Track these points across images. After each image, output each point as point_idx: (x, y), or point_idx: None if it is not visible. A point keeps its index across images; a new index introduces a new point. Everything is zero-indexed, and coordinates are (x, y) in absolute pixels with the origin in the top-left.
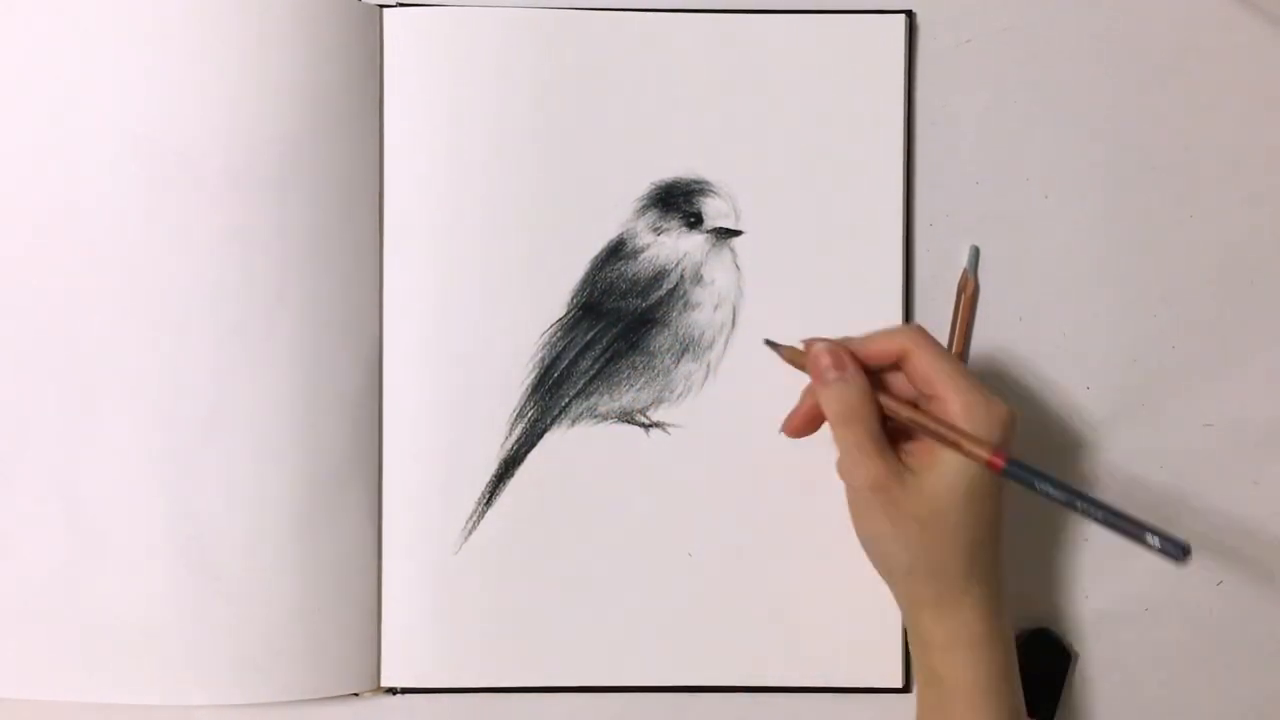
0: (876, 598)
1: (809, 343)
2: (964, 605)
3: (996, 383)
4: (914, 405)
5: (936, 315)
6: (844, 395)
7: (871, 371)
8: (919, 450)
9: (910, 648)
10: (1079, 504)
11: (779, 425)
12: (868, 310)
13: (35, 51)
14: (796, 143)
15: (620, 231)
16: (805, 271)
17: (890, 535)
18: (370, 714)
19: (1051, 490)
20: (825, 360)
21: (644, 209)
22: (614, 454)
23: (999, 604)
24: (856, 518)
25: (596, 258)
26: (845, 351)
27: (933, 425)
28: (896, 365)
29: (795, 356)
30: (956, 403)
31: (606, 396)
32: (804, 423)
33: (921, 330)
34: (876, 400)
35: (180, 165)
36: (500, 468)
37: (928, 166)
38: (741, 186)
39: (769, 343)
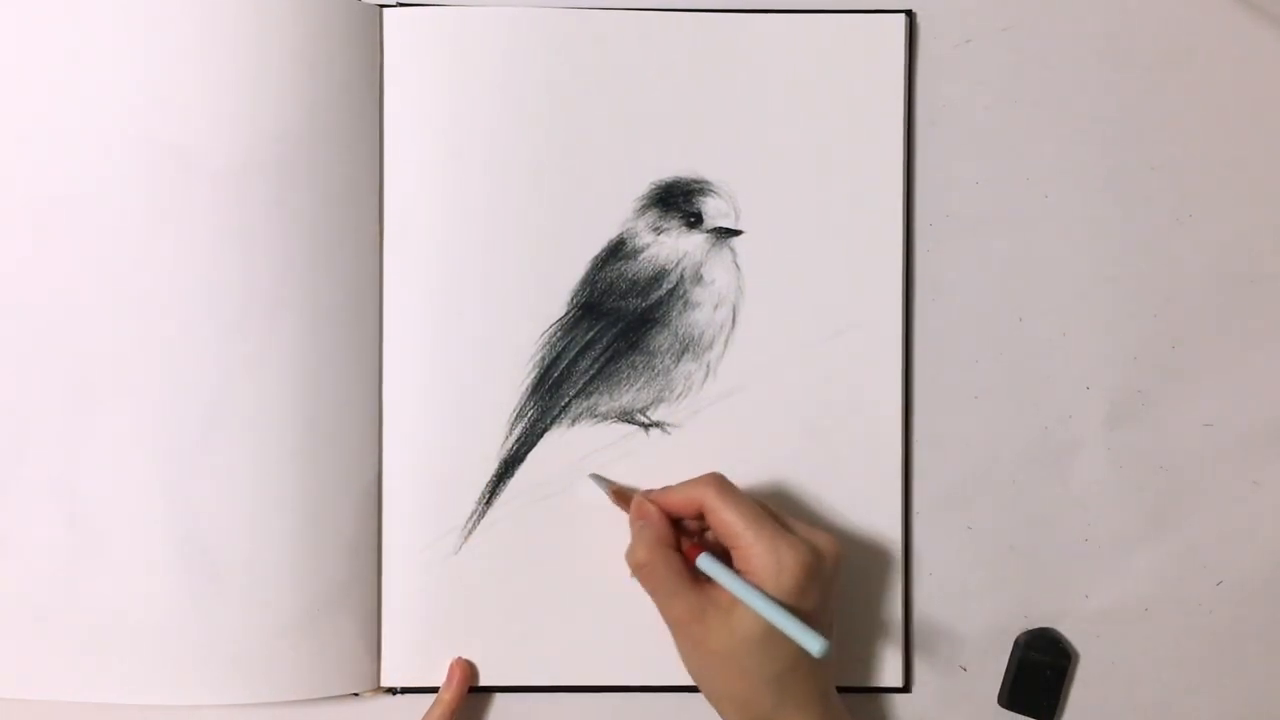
0: (877, 598)
1: (629, 496)
2: None
3: (997, 382)
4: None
5: (936, 315)
6: (640, 541)
7: (679, 520)
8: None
9: None
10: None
11: (779, 425)
12: (868, 310)
13: (35, 51)
14: (796, 143)
15: (620, 231)
16: (805, 271)
17: (697, 667)
18: (370, 714)
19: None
20: (631, 511)
21: (644, 209)
22: (614, 454)
23: None
24: (674, 640)
25: (596, 257)
26: (648, 503)
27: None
28: (700, 515)
29: (617, 498)
30: (752, 552)
31: (606, 396)
32: None
33: (718, 482)
34: (672, 545)
35: (180, 165)
36: (500, 468)
37: (928, 166)
38: (741, 186)
39: (594, 476)
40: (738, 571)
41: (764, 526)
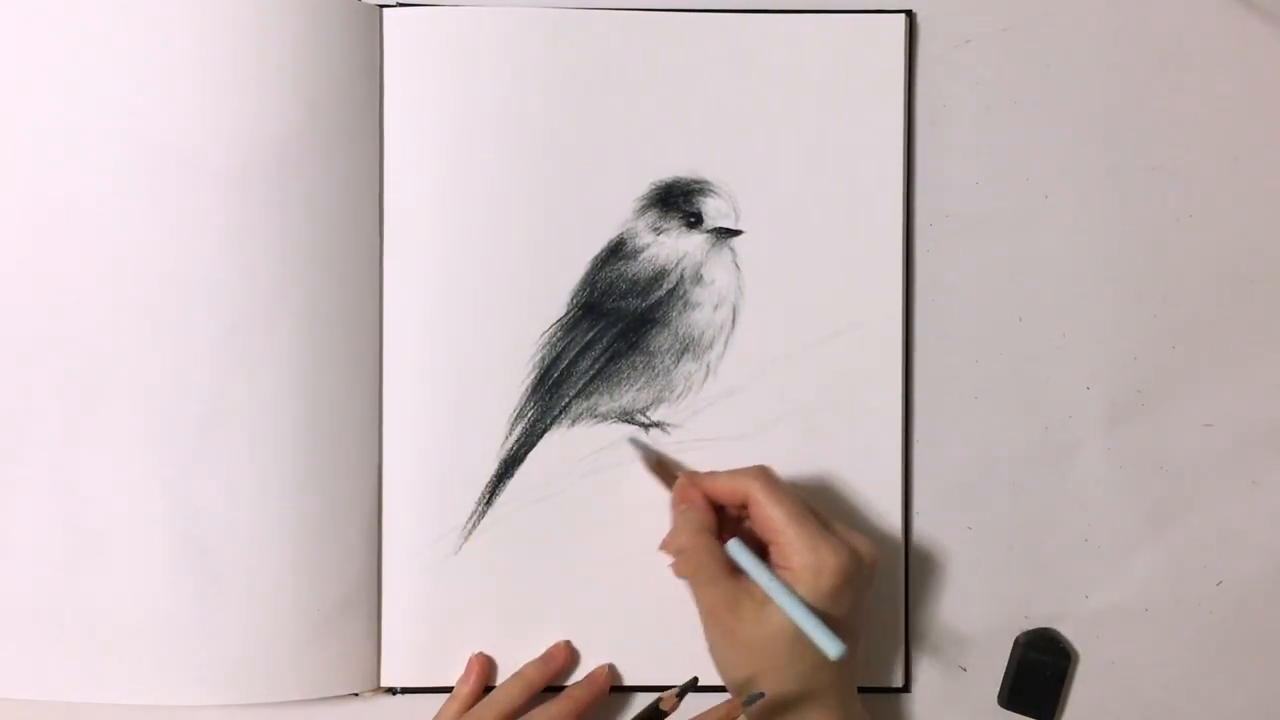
0: (877, 598)
1: (669, 467)
2: None
3: (997, 382)
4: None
5: (936, 315)
6: (682, 527)
7: (720, 507)
8: None
9: None
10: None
11: (779, 425)
12: (868, 310)
13: (36, 52)
14: (796, 143)
15: (620, 231)
16: (805, 271)
17: (724, 656)
18: (370, 714)
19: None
20: (674, 495)
21: (644, 209)
22: (614, 454)
23: None
24: (704, 628)
25: (596, 258)
26: (693, 488)
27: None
28: (744, 505)
29: (654, 467)
30: (792, 550)
31: (606, 396)
32: None
33: (765, 475)
34: (714, 533)
35: (180, 165)
36: (500, 468)
37: (928, 166)
38: (741, 186)
39: (634, 441)
40: (774, 567)
41: (806, 525)
